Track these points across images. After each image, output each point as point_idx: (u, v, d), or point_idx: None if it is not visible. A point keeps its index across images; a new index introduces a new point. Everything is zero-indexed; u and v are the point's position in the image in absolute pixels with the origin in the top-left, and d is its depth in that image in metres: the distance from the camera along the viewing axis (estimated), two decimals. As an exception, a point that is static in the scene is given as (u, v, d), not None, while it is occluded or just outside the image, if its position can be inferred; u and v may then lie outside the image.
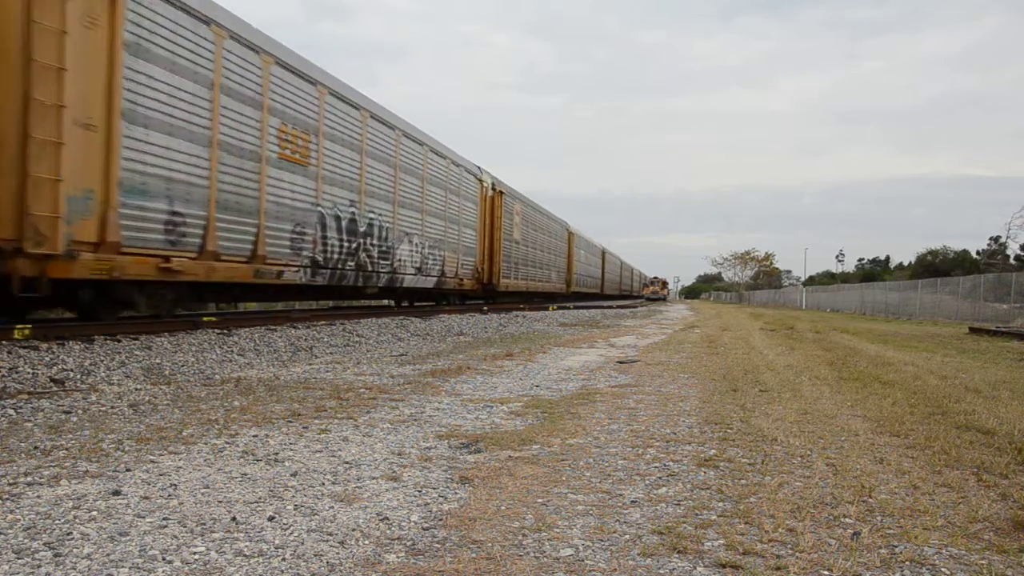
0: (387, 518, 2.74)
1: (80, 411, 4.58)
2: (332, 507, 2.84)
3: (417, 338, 11.62)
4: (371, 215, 13.28)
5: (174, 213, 8.24)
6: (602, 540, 2.56)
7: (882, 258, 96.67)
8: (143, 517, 2.64)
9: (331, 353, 8.88)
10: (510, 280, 24.25)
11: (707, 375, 7.45)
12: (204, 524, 2.59)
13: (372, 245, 13.29)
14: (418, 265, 15.74)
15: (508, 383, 6.57)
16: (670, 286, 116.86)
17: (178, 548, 2.36)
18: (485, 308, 20.99)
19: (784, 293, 75.77)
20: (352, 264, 12.49)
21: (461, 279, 18.83)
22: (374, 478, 3.27)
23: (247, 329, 9.90)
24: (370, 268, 13.25)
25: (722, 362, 8.85)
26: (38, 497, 2.83)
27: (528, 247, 27.10)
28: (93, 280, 7.38)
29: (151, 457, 3.48)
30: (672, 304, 64.97)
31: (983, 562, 2.44)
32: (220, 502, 2.85)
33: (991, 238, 56.94)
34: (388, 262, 14.07)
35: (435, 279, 16.88)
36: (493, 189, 22.44)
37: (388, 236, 14.02)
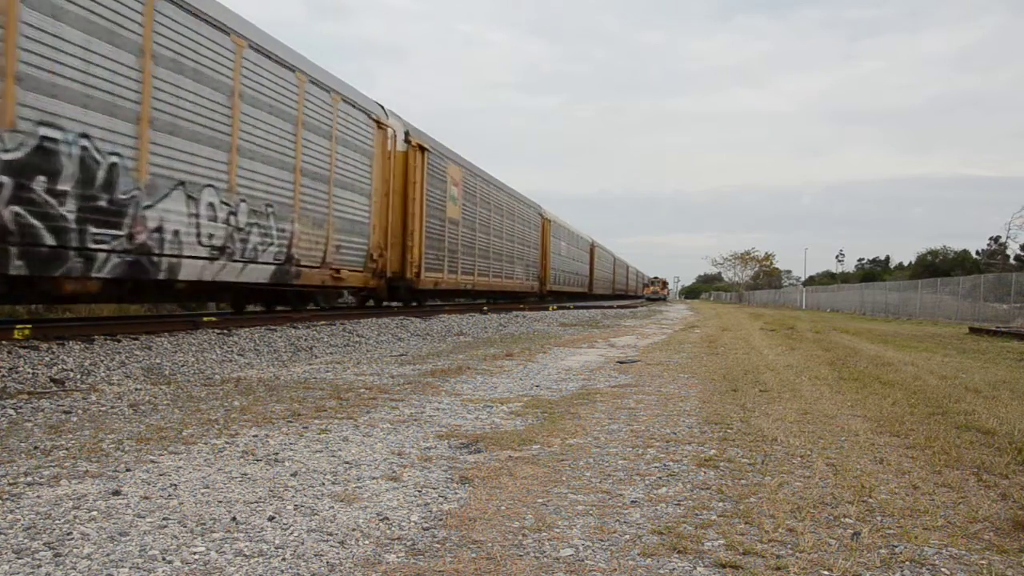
0: (387, 518, 2.74)
1: (80, 411, 4.58)
2: (332, 507, 2.84)
3: (417, 338, 11.62)
4: (49, 132, 6.69)
5: None
6: (602, 540, 2.56)
7: (882, 258, 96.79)
8: (143, 517, 2.64)
9: (331, 353, 8.88)
10: (441, 275, 17.63)
11: (707, 375, 7.45)
12: (204, 524, 2.59)
13: (60, 194, 6.82)
14: (220, 243, 9.10)
15: (508, 383, 6.57)
16: (670, 286, 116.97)
17: (178, 548, 2.36)
18: (485, 308, 20.90)
19: (784, 293, 75.78)
20: None
21: (337, 270, 12.30)
22: (374, 478, 3.27)
23: (247, 329, 9.90)
24: (51, 241, 6.76)
25: (722, 362, 8.85)
26: (38, 497, 2.83)
27: (476, 231, 20.61)
28: None
29: (151, 457, 3.48)
30: (672, 304, 64.98)
31: (983, 562, 2.43)
32: (220, 502, 2.85)
33: (991, 238, 57.08)
34: (122, 232, 7.60)
35: (273, 267, 10.34)
36: (408, 142, 15.21)
37: (118, 181, 7.48)
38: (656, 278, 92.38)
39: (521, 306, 24.81)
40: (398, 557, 2.36)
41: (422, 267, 16.11)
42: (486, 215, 21.90)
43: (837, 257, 73.88)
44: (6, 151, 6.32)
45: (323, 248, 11.89)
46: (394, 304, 17.99)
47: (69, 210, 6.97)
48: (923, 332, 19.37)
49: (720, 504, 2.99)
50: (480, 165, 22.85)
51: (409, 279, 15.60)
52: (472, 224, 20.33)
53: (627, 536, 2.61)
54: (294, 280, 11.12)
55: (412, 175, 15.49)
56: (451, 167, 18.30)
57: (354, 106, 12.99)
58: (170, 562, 2.25)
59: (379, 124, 14.09)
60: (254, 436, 4.01)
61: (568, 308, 27.75)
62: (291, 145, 10.76)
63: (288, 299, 13.07)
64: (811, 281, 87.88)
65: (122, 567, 2.20)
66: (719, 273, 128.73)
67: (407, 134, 15.38)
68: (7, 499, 2.78)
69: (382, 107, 14.49)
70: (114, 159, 7.50)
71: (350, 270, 12.95)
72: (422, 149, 15.97)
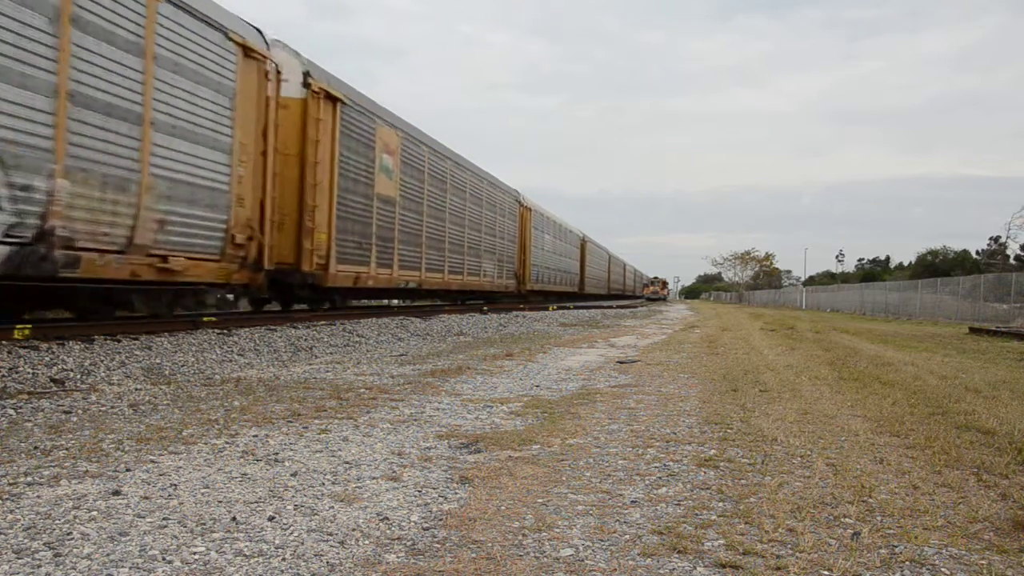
0: (387, 518, 2.74)
1: (80, 411, 4.58)
2: (332, 507, 2.84)
3: (417, 338, 11.62)
4: None
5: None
6: (602, 540, 2.56)
7: (882, 258, 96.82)
8: (143, 517, 2.64)
9: (331, 353, 8.88)
10: (367, 268, 13.42)
11: (707, 375, 7.45)
12: (204, 524, 2.59)
13: None
14: None
15: (508, 383, 6.57)
16: (670, 286, 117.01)
17: (178, 548, 2.36)
18: (485, 308, 20.86)
19: (784, 293, 75.80)
20: None
21: (164, 257, 8.20)
22: (374, 478, 3.27)
23: (247, 329, 9.90)
24: None
25: (722, 362, 8.85)
26: (38, 497, 2.83)
27: (423, 216, 16.45)
28: None
29: (151, 457, 3.48)
30: (672, 304, 64.98)
31: (983, 562, 2.44)
32: (220, 502, 2.85)
33: (991, 238, 57.11)
34: None
35: (6, 250, 6.31)
36: (307, 86, 11.27)
37: None
38: (656, 278, 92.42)
39: (521, 306, 24.73)
40: (398, 557, 2.36)
41: (332, 257, 11.93)
42: (439, 196, 17.55)
43: (837, 257, 73.93)
44: None
45: (130, 223, 7.61)
46: (301, 308, 13.44)
47: None
48: (923, 332, 19.37)
49: (720, 504, 2.99)
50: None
51: (309, 272, 11.43)
52: (416, 206, 16.04)
53: (627, 536, 2.61)
54: (63, 270, 6.97)
55: (314, 132, 11.39)
56: (383, 129, 14.04)
57: (195, 16, 8.61)
58: (170, 562, 2.25)
59: (248, 52, 9.60)
60: (254, 436, 4.01)
61: (568, 308, 27.76)
62: (45, 51, 6.55)
63: (77, 302, 8.77)
64: (811, 281, 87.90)
65: (122, 567, 2.20)
66: (719, 273, 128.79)
67: (306, 75, 11.22)
68: (7, 499, 2.78)
69: (259, 31, 10.08)
70: None
71: (192, 257, 8.72)
72: (332, 99, 11.85)
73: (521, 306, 24.71)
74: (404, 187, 15.34)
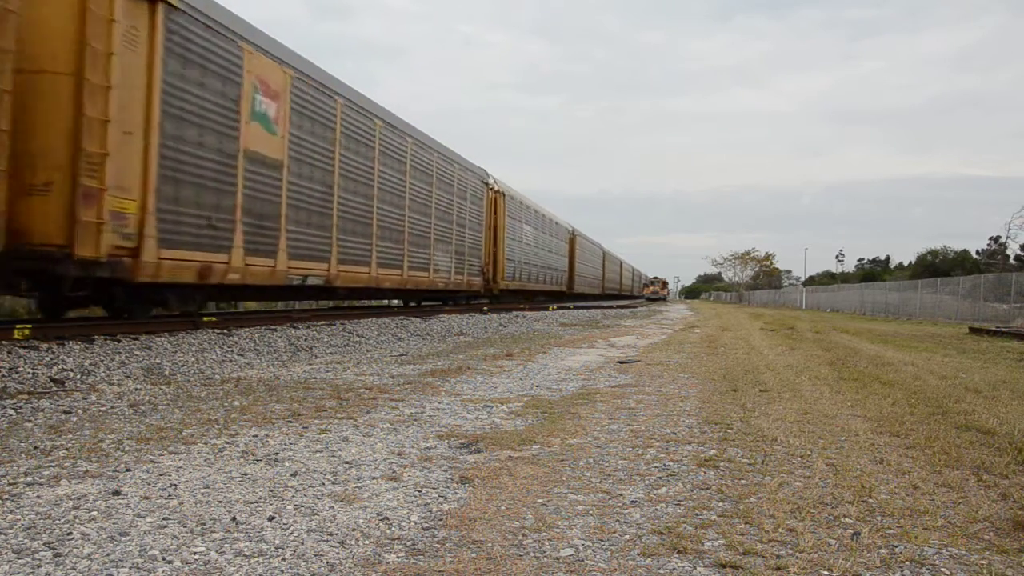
0: (387, 518, 2.74)
1: (80, 411, 4.58)
2: (332, 507, 2.84)
3: (417, 338, 11.62)
4: None
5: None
6: (602, 540, 2.56)
7: (882, 258, 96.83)
8: (143, 517, 2.64)
9: (331, 353, 8.88)
10: (227, 257, 9.23)
11: (707, 375, 7.45)
12: (204, 524, 2.59)
13: None
14: None
15: (508, 383, 6.57)
16: (670, 286, 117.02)
17: (178, 548, 2.36)
18: (485, 308, 20.89)
19: (784, 293, 75.79)
20: None
21: None
22: (374, 478, 3.27)
23: (247, 329, 9.90)
24: None
25: (722, 362, 8.85)
26: (38, 497, 2.83)
27: (335, 188, 12.15)
28: None
29: (151, 457, 3.48)
30: (672, 304, 64.97)
31: (983, 562, 2.44)
32: (220, 502, 2.85)
33: (991, 238, 57.09)
34: None
35: None
36: None
37: None
38: (656, 278, 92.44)
39: (521, 306, 24.74)
40: (398, 557, 2.37)
41: (148, 236, 7.95)
42: (362, 165, 13.25)
43: (837, 257, 73.95)
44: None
45: None
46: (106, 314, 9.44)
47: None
48: (923, 332, 19.37)
49: (720, 504, 2.99)
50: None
51: (94, 259, 7.24)
52: (323, 175, 11.84)
53: (627, 536, 2.61)
54: None
55: (104, 39, 7.19)
56: (258, 60, 9.82)
57: None
58: (170, 562, 2.25)
59: None
60: (254, 436, 4.01)
61: (568, 308, 27.77)
62: None
63: None
64: (811, 281, 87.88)
65: (122, 567, 2.20)
66: (719, 273, 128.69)
67: None
68: (7, 499, 2.78)
69: None
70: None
71: None
72: (172, 6, 8.11)
73: (521, 306, 24.71)
74: (298, 146, 11.01)
